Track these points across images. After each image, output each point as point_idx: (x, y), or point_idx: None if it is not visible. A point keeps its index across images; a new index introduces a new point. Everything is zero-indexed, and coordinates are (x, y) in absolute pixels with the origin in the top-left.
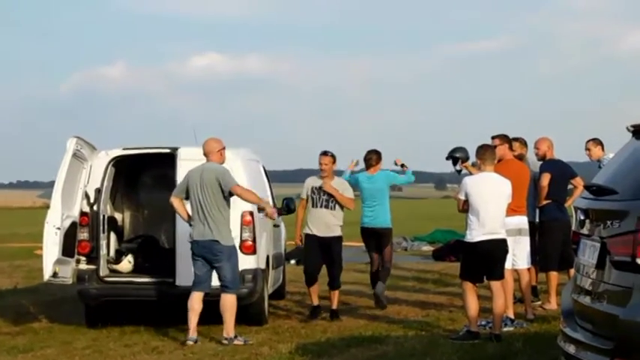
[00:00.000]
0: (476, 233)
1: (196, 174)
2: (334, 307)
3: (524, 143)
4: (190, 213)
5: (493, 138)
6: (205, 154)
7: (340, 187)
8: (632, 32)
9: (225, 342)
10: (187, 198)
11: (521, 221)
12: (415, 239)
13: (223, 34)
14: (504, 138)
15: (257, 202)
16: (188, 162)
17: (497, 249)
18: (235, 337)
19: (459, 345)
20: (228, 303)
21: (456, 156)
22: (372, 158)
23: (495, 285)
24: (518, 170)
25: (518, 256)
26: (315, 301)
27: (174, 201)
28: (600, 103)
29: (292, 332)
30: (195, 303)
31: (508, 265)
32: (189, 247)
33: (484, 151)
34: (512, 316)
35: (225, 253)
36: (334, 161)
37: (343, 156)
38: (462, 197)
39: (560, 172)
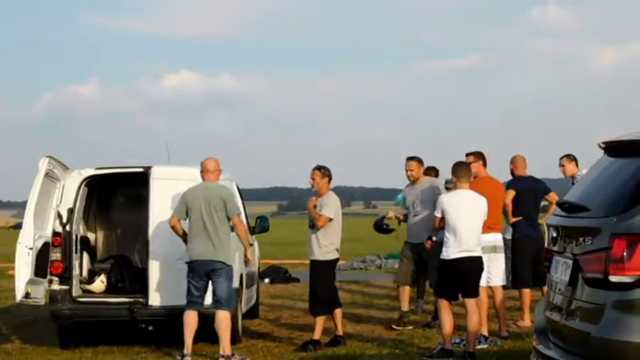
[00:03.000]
0: (452, 250)
1: (199, 193)
2: (338, 332)
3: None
4: (188, 232)
5: (467, 155)
6: (204, 173)
7: (323, 202)
8: (604, 51)
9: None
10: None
11: (496, 238)
12: (389, 257)
13: (196, 52)
14: (479, 155)
15: (245, 242)
16: (161, 181)
17: (473, 266)
18: (233, 354)
19: None
20: (224, 320)
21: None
22: (430, 175)
23: (470, 302)
24: (493, 187)
25: (493, 273)
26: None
27: (174, 222)
28: (572, 121)
29: (266, 351)
30: (191, 320)
31: (483, 282)
32: (162, 266)
33: (459, 168)
34: (486, 333)
35: (226, 272)
36: (323, 176)
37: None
38: (439, 215)
39: (529, 188)
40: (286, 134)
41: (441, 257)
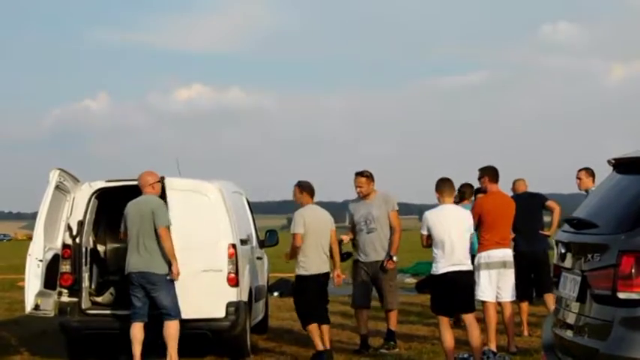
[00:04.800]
0: (441, 265)
1: (134, 206)
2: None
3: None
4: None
5: (481, 171)
6: (140, 187)
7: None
8: (614, 67)
9: None
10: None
11: (506, 254)
12: (399, 271)
13: (207, 67)
14: (490, 170)
15: (170, 255)
16: (176, 191)
17: (463, 280)
18: None
19: None
20: (172, 330)
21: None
22: (466, 192)
23: (468, 318)
24: (504, 203)
25: (503, 288)
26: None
27: (122, 236)
28: (582, 137)
29: None
30: (138, 333)
31: (492, 298)
32: (185, 278)
33: (442, 184)
34: (494, 349)
35: (163, 282)
36: (300, 191)
37: (327, 185)
38: (425, 232)
39: (520, 204)
40: (295, 148)
41: (432, 273)
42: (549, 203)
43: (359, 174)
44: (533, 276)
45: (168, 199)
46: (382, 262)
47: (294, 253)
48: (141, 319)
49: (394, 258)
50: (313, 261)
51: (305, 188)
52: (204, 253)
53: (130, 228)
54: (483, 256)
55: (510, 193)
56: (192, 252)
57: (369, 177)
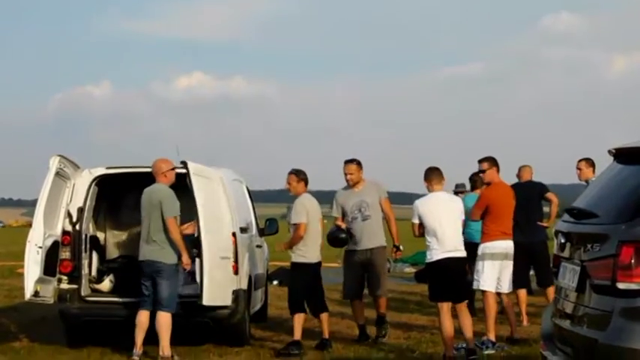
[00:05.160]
0: (435, 252)
1: (147, 195)
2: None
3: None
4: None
5: (481, 161)
6: (154, 175)
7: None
8: (616, 58)
9: None
10: None
11: (509, 246)
12: (397, 261)
13: (209, 56)
14: (492, 161)
15: (179, 245)
16: (198, 177)
17: (457, 266)
18: (172, 356)
19: None
20: (164, 322)
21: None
22: (477, 181)
23: (460, 307)
24: (507, 194)
25: (502, 280)
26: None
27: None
28: (582, 128)
29: (273, 354)
30: (143, 320)
31: (493, 288)
32: (212, 265)
33: (429, 172)
34: (493, 338)
35: (167, 273)
36: (298, 180)
37: (328, 174)
38: (416, 221)
39: (522, 194)
40: (296, 137)
41: (426, 261)
42: (549, 195)
43: (349, 161)
44: (532, 267)
45: (194, 184)
46: (376, 249)
47: (295, 242)
48: (148, 307)
49: (401, 247)
50: (313, 249)
51: (302, 177)
52: (219, 240)
53: (143, 217)
54: (488, 247)
55: (511, 181)
56: (214, 236)
57: (359, 164)
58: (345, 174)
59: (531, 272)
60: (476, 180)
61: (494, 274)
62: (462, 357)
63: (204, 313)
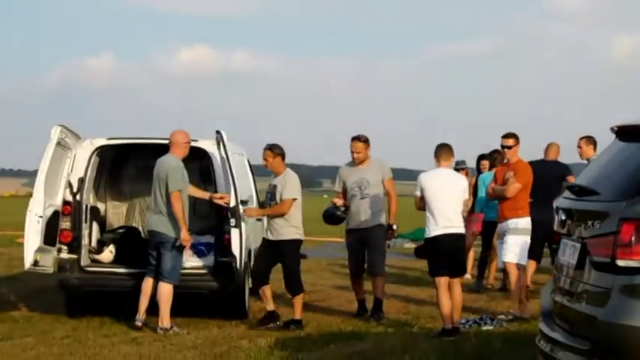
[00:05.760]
0: (433, 228)
1: (157, 166)
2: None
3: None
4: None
5: (505, 137)
6: (170, 146)
7: (284, 183)
8: (619, 37)
9: (159, 331)
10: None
11: (528, 222)
12: (398, 236)
13: (211, 29)
14: (517, 138)
15: (179, 219)
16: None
17: (455, 243)
18: (171, 327)
19: (439, 343)
20: (164, 292)
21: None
22: (497, 158)
23: (453, 281)
24: (527, 172)
25: (521, 254)
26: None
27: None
28: (584, 106)
29: (272, 327)
30: (147, 287)
31: (514, 259)
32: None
33: (438, 148)
34: (518, 312)
35: (170, 244)
36: (274, 155)
37: (330, 148)
38: (418, 194)
39: (539, 172)
40: (297, 112)
41: (425, 237)
42: (569, 178)
43: (356, 138)
44: (546, 244)
45: (230, 156)
46: (372, 228)
47: (276, 215)
48: (151, 274)
49: (394, 226)
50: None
51: (278, 151)
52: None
53: (152, 188)
54: (526, 222)
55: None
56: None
57: (366, 142)
58: (352, 152)
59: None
60: (495, 158)
61: (526, 249)
62: (466, 332)
63: (201, 284)
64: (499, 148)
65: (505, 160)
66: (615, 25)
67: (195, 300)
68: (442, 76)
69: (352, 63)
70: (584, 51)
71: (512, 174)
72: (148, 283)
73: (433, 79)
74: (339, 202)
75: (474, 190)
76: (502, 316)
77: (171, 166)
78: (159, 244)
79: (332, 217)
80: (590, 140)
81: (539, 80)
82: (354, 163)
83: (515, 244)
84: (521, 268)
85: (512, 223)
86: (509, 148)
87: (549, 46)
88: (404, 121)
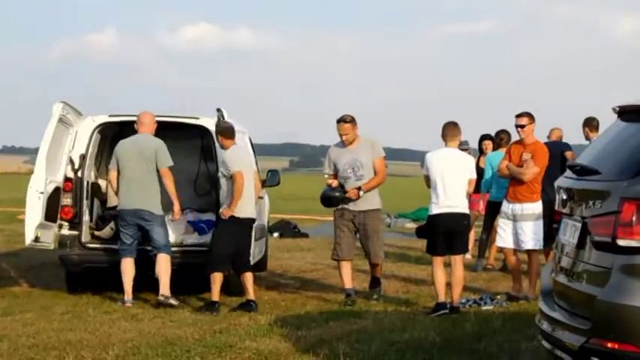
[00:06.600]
0: (435, 207)
1: (131, 145)
2: (249, 297)
3: None
4: (120, 183)
5: (519, 116)
6: (139, 125)
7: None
8: (624, 17)
9: (161, 298)
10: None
11: (541, 206)
12: (399, 216)
13: (214, 5)
14: (532, 116)
15: (173, 195)
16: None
17: (456, 222)
18: (172, 295)
19: (438, 321)
20: (164, 263)
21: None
22: (504, 138)
23: (455, 258)
24: (545, 153)
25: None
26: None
27: (113, 174)
28: (589, 87)
29: (272, 304)
30: (129, 268)
31: (536, 246)
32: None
33: (444, 128)
34: (531, 295)
35: (158, 220)
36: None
37: (333, 127)
38: (425, 172)
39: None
40: (300, 91)
41: (428, 214)
42: (567, 153)
43: (341, 120)
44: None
45: (237, 138)
46: (369, 211)
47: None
48: (131, 254)
49: (361, 193)
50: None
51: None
52: None
53: (129, 166)
54: (541, 205)
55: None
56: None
57: (352, 122)
58: (340, 134)
59: None
60: (502, 138)
61: (542, 232)
62: (466, 311)
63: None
64: (505, 128)
65: (520, 139)
66: (621, 5)
67: (196, 277)
68: (443, 56)
69: (355, 40)
70: (589, 31)
71: (529, 156)
72: (127, 263)
73: (434, 59)
74: (335, 182)
75: (479, 169)
76: (500, 297)
77: (157, 143)
78: (143, 221)
79: (331, 199)
80: (594, 122)
81: (543, 60)
82: (343, 144)
83: (536, 232)
84: (539, 251)
85: (529, 208)
86: (522, 127)
87: (551, 26)
88: (405, 99)
